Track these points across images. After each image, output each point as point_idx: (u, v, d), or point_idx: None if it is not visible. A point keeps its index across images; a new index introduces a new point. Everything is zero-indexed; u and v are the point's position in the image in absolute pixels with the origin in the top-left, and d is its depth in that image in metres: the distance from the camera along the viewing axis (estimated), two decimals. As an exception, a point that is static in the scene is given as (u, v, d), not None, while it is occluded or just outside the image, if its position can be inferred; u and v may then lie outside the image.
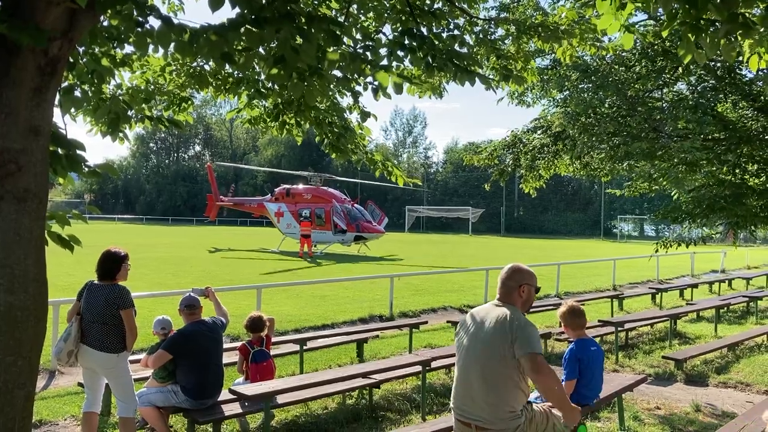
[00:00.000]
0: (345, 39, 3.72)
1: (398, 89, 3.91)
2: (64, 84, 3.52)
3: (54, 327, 8.50)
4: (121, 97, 4.61)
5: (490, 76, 5.17)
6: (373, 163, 5.79)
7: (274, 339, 7.34)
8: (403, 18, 4.40)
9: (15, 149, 2.73)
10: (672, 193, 10.57)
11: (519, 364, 3.70)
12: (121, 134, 4.43)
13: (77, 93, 3.67)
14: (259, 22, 3.05)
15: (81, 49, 3.68)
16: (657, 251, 9.69)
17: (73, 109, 3.81)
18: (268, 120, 5.43)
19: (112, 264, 5.42)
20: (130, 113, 4.73)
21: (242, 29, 3.10)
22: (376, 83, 4.06)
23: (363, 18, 4.76)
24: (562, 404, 3.90)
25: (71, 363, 5.47)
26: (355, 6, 4.55)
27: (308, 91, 3.55)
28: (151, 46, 3.28)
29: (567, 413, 3.92)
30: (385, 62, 3.96)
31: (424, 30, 4.28)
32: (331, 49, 3.45)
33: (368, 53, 3.92)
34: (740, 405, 7.57)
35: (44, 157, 2.86)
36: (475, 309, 4.09)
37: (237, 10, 3.11)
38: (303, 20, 3.22)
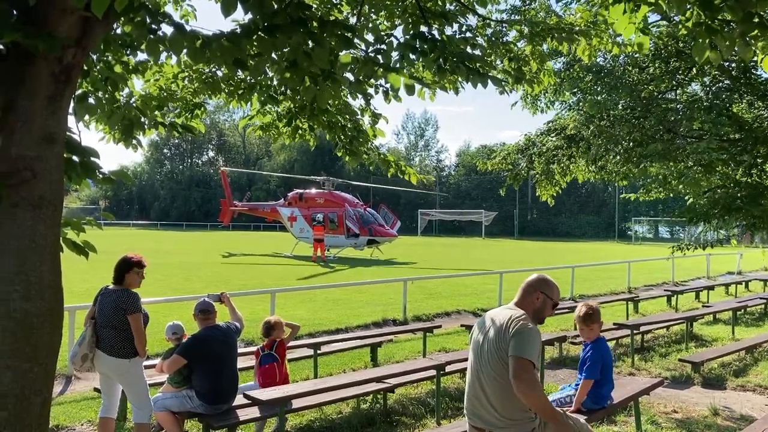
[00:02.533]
0: (357, 41, 3.72)
1: (410, 90, 3.90)
2: (78, 91, 3.54)
3: (70, 333, 8.55)
4: (134, 104, 4.65)
5: (503, 79, 5.15)
6: (386, 164, 5.79)
7: (288, 343, 7.33)
8: (414, 20, 4.39)
9: (30, 157, 2.75)
10: (686, 198, 10.48)
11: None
12: (134, 141, 4.46)
13: (91, 100, 3.70)
14: (272, 30, 3.05)
15: (95, 57, 3.70)
16: (673, 253, 9.61)
17: (87, 117, 3.83)
18: (281, 125, 5.43)
19: (120, 269, 5.45)
20: (143, 120, 4.77)
21: (255, 36, 3.10)
22: (387, 85, 4.05)
23: (374, 17, 4.76)
24: (548, 416, 3.64)
25: (87, 368, 5.48)
26: (366, 6, 4.55)
27: (320, 94, 3.55)
28: (164, 53, 3.29)
29: (557, 426, 3.67)
30: (396, 65, 3.96)
31: (435, 32, 4.28)
32: (343, 52, 3.45)
33: (380, 56, 3.92)
34: (759, 408, 7.47)
35: (59, 164, 2.88)
36: (488, 312, 4.05)
37: (249, 15, 3.12)
38: (315, 25, 3.22)
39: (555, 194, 10.90)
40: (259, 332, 6.92)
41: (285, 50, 3.26)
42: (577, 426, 4.01)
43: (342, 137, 5.24)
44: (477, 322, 4.05)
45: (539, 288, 3.92)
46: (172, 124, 4.96)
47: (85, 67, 3.51)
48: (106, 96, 4.10)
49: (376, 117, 5.13)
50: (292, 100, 4.85)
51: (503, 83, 4.62)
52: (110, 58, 3.90)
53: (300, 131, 5.39)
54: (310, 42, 3.18)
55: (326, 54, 3.20)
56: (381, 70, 3.77)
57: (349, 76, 3.95)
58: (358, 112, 5.16)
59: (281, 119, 5.39)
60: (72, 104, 3.15)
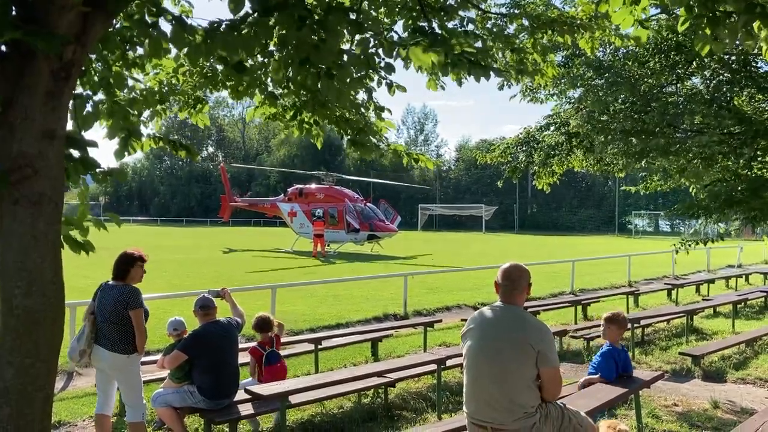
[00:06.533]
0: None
1: (441, 68, 3.73)
2: (78, 90, 3.53)
3: (71, 329, 8.56)
4: (136, 95, 4.63)
5: (505, 71, 5.13)
6: (397, 155, 5.75)
7: (289, 338, 7.35)
8: (414, 15, 4.37)
9: (30, 153, 2.75)
10: (690, 189, 10.48)
11: (537, 371, 3.74)
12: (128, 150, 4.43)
13: (90, 106, 3.68)
14: (269, 10, 3.03)
15: (93, 56, 3.69)
16: (677, 252, 9.58)
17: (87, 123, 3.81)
18: (287, 116, 5.40)
19: (123, 265, 5.45)
20: (145, 115, 4.77)
21: (253, 20, 3.08)
22: (388, 80, 4.03)
23: (374, 14, 4.74)
24: None
25: (84, 363, 5.50)
26: (366, 2, 4.53)
27: (330, 85, 3.52)
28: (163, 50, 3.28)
29: None
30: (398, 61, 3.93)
31: (435, 26, 4.26)
32: (356, 37, 3.43)
33: (380, 51, 3.90)
34: (759, 401, 7.49)
35: (59, 161, 2.88)
36: (479, 312, 4.07)
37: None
38: (321, 12, 3.20)
39: (552, 183, 10.90)
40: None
41: (291, 46, 3.25)
42: (578, 418, 4.04)
43: (348, 130, 5.19)
44: (469, 323, 4.05)
45: (529, 280, 4.01)
46: (173, 142, 4.97)
47: (84, 68, 3.50)
48: (107, 93, 4.08)
49: (380, 110, 5.10)
50: (296, 94, 4.83)
51: (505, 74, 4.59)
52: (109, 56, 3.89)
53: (306, 125, 5.35)
54: (320, 32, 3.16)
55: (334, 47, 3.19)
56: (400, 48, 3.65)
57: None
58: (363, 104, 5.12)
59: (287, 111, 5.35)
60: (72, 103, 3.14)
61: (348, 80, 3.65)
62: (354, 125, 5.09)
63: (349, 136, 5.17)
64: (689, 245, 9.35)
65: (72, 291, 9.72)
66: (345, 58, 3.52)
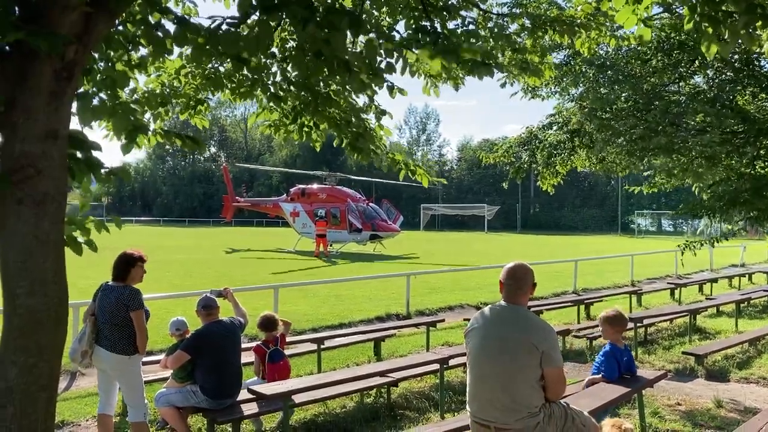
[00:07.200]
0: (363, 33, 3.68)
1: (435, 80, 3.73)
2: (81, 90, 3.53)
3: (74, 329, 8.57)
4: (137, 97, 4.63)
5: (506, 67, 5.15)
6: (395, 164, 5.74)
7: (292, 338, 7.34)
8: (416, 15, 4.38)
9: (33, 153, 2.75)
10: (693, 188, 10.46)
11: (541, 371, 3.74)
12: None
13: (95, 102, 3.68)
14: (270, 9, 3.03)
15: (96, 55, 3.69)
16: (683, 253, 9.55)
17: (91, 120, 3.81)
18: (288, 123, 5.40)
19: (123, 265, 5.45)
20: (146, 117, 4.76)
21: (255, 21, 3.09)
22: (389, 82, 4.02)
23: (377, 14, 4.75)
24: None
25: (86, 364, 5.49)
26: (368, 2, 4.54)
27: (344, 76, 3.53)
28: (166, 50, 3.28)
29: None
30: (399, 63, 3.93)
31: (437, 26, 4.26)
32: (360, 38, 3.44)
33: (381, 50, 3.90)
34: (763, 400, 7.47)
35: (63, 161, 2.88)
36: (483, 311, 4.07)
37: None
38: (322, 11, 3.20)
39: (556, 184, 10.89)
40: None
41: (304, 42, 3.24)
42: (581, 418, 4.03)
43: (347, 135, 5.19)
44: (473, 322, 4.05)
45: (533, 280, 4.02)
46: (179, 134, 4.96)
47: (87, 66, 3.50)
48: (108, 93, 4.09)
49: (381, 113, 5.09)
50: (296, 97, 4.83)
51: (507, 69, 4.59)
52: (112, 55, 3.89)
53: (306, 128, 5.35)
54: (324, 30, 3.16)
55: (344, 39, 3.19)
56: (408, 51, 3.64)
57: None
58: (363, 109, 5.12)
59: (287, 116, 5.35)
60: (75, 103, 3.14)
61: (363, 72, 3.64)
62: (353, 129, 5.09)
63: (348, 140, 5.17)
64: (695, 246, 9.30)
65: (75, 290, 9.73)
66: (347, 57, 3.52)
